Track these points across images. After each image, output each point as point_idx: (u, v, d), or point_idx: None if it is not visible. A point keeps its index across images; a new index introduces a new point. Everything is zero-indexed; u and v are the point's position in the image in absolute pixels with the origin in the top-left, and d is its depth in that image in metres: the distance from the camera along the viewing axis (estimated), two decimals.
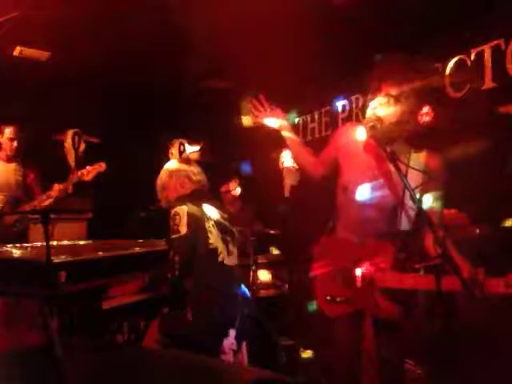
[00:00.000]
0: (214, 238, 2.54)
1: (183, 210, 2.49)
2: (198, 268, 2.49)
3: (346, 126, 2.37)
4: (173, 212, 2.50)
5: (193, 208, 2.53)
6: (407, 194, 1.88)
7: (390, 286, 1.94)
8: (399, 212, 2.03)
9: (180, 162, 2.84)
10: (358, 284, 2.01)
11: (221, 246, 2.57)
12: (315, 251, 2.27)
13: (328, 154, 2.31)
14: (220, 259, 2.55)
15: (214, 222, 2.60)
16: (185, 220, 2.45)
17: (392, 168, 1.93)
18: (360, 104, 4.42)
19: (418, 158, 2.08)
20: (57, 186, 3.79)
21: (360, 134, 2.11)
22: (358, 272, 2.02)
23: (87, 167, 3.87)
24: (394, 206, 2.05)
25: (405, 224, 2.04)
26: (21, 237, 3.68)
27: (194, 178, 2.73)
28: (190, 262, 2.48)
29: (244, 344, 2.65)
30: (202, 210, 2.59)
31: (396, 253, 2.00)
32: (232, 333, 2.49)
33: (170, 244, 2.50)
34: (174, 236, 2.47)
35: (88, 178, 3.77)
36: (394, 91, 2.00)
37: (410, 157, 2.05)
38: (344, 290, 2.07)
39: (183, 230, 2.44)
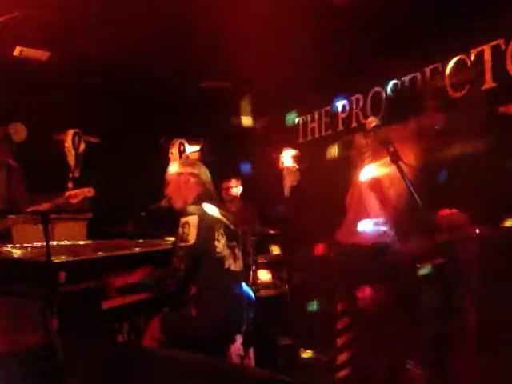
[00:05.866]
0: (222, 247, 2.56)
1: (194, 219, 2.48)
2: (204, 274, 2.52)
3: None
4: (183, 220, 2.49)
5: (204, 217, 2.52)
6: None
7: None
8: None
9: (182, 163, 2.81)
10: None
11: (227, 254, 2.59)
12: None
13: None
14: (226, 266, 2.57)
15: (224, 228, 2.61)
16: (194, 230, 2.46)
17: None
18: (360, 104, 4.41)
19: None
20: (45, 206, 3.45)
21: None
22: None
23: (74, 190, 3.64)
24: None
25: None
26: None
27: (200, 177, 2.71)
28: (195, 269, 2.50)
29: (251, 349, 2.67)
30: (214, 217, 2.59)
31: None
32: (239, 338, 2.51)
33: (175, 250, 2.50)
34: (181, 244, 2.47)
35: (74, 200, 3.63)
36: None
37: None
38: None
39: (191, 239, 2.45)
